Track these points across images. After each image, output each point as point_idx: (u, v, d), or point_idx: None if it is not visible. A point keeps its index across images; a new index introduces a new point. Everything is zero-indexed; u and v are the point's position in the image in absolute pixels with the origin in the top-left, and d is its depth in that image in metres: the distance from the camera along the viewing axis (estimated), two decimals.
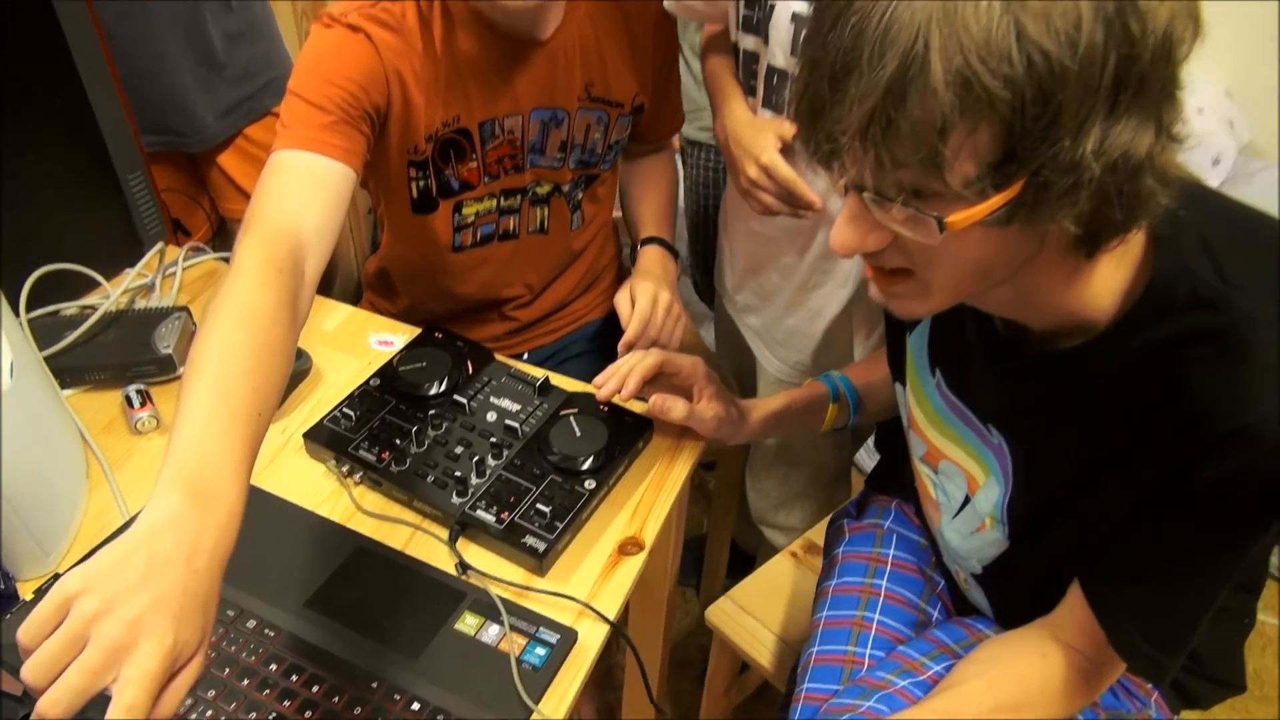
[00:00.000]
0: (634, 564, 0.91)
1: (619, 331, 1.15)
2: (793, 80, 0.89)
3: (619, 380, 0.99)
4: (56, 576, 0.85)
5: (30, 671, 0.55)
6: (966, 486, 0.93)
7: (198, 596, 0.59)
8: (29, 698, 0.74)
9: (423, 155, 1.11)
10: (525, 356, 1.34)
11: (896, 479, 1.14)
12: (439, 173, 1.13)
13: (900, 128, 0.56)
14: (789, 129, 1.05)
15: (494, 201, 1.18)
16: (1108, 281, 0.71)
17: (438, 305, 1.30)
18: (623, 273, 1.44)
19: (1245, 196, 2.16)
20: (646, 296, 1.16)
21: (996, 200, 0.58)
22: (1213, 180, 2.17)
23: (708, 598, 1.31)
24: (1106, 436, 0.75)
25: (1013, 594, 0.96)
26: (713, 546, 1.71)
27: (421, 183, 1.13)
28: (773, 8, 1.03)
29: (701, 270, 1.94)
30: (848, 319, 1.22)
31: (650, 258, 1.26)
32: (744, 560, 1.69)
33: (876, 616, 1.04)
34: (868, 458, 1.97)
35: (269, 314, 0.76)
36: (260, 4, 1.47)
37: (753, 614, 1.23)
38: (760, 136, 1.06)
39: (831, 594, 1.08)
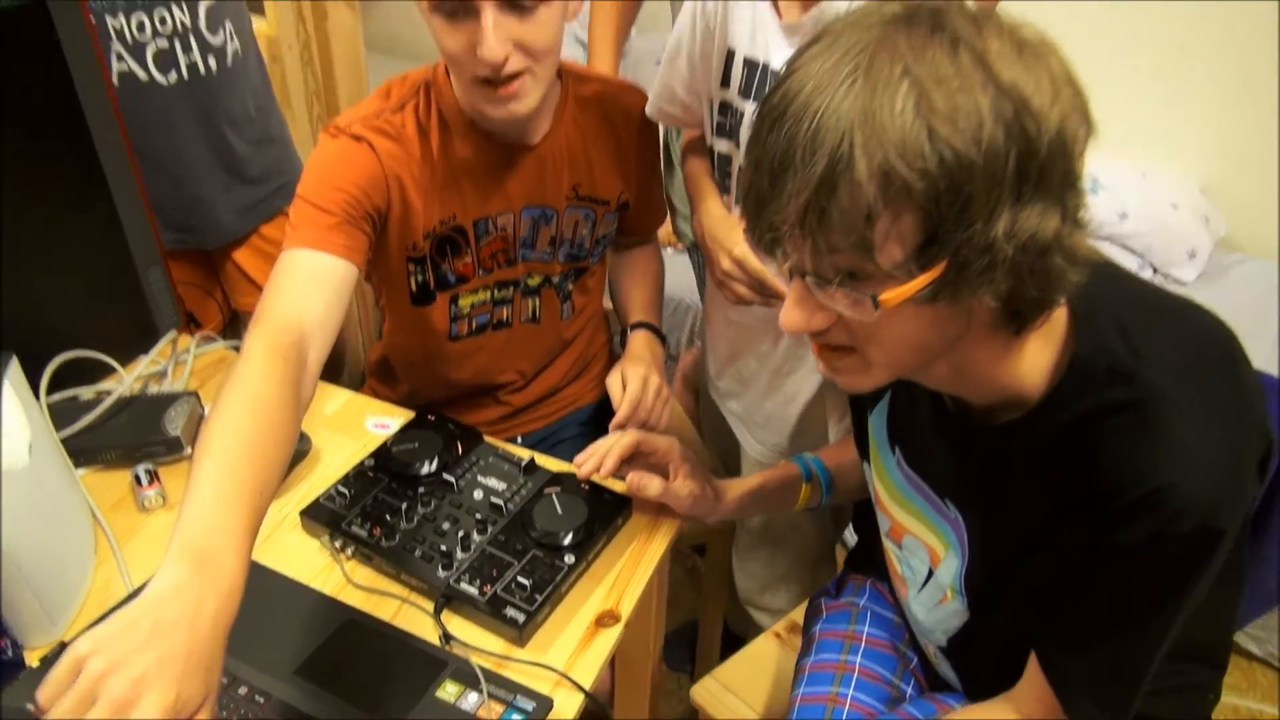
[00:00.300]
0: (610, 635, 0.96)
1: (609, 416, 1.21)
2: None
3: (598, 459, 1.05)
4: (63, 644, 0.91)
5: None
6: (929, 560, 0.97)
7: (200, 658, 0.64)
8: None
9: (420, 252, 1.19)
10: (519, 440, 1.40)
11: (872, 558, 1.18)
12: (436, 267, 1.21)
13: (832, 217, 0.63)
14: None
15: (488, 293, 1.26)
16: (1036, 359, 0.77)
17: (435, 391, 1.37)
18: (613, 360, 1.50)
19: (1223, 288, 2.23)
20: (637, 380, 1.23)
21: (923, 279, 0.65)
22: (1189, 273, 2.25)
23: None
24: (1044, 506, 0.80)
25: (978, 666, 1.00)
26: (705, 630, 1.73)
27: (420, 277, 1.21)
28: (743, 114, 1.12)
29: None
30: (821, 403, 1.28)
31: (639, 342, 1.33)
32: (738, 644, 1.71)
33: (851, 692, 1.06)
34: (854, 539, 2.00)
35: (273, 398, 0.83)
36: (275, 113, 1.59)
37: (736, 693, 1.25)
38: (733, 232, 1.14)
39: (808, 671, 1.11)
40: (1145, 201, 2.26)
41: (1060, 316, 0.77)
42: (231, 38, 1.46)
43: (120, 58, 1.35)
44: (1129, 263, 2.25)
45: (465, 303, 1.26)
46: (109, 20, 1.31)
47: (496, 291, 1.27)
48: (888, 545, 1.04)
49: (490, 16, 0.99)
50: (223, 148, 1.49)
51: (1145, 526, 0.71)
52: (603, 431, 1.19)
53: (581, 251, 1.30)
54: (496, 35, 1.00)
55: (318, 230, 1.05)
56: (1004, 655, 0.91)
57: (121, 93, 1.35)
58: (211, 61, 1.43)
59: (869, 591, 1.18)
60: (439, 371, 1.33)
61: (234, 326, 1.62)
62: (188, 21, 1.38)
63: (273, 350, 0.88)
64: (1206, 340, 0.78)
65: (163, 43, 1.37)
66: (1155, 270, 2.27)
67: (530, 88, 1.06)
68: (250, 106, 1.52)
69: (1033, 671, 0.88)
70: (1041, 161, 0.62)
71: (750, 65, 1.11)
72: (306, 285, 1.01)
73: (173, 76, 1.39)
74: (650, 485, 1.03)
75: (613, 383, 1.23)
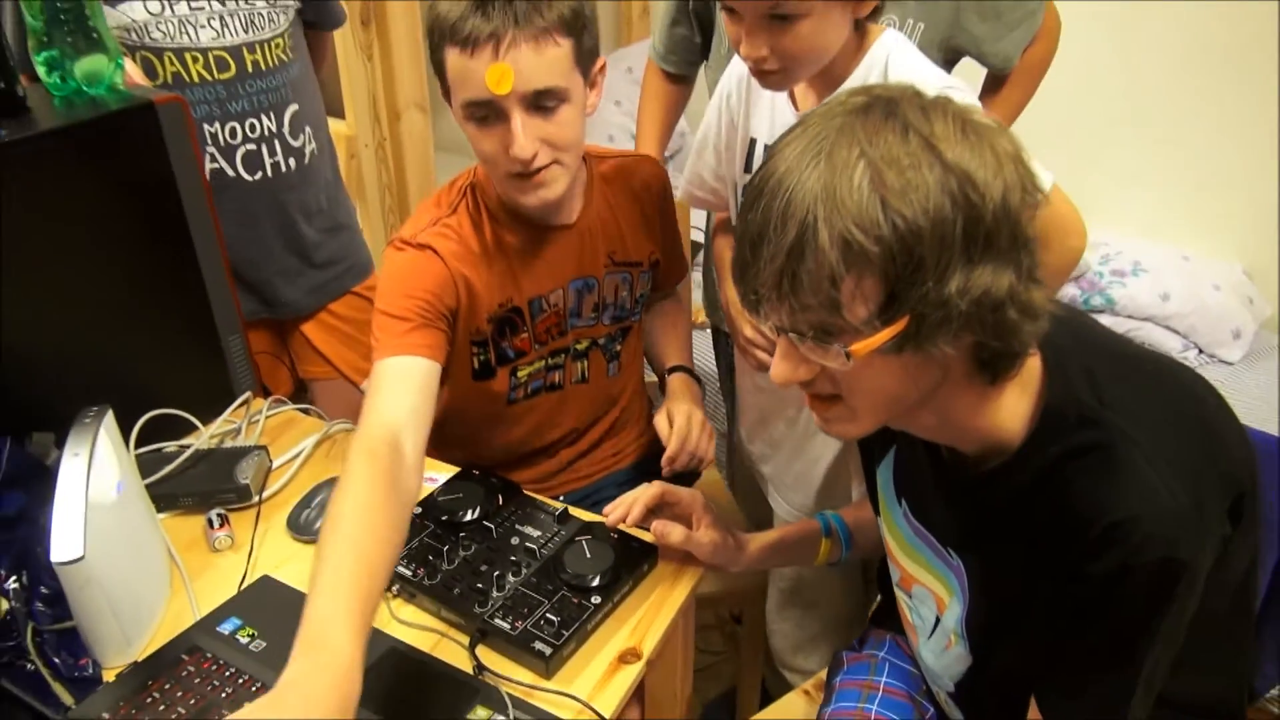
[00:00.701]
0: (631, 671, 1.02)
1: (646, 476, 1.28)
2: None
3: (625, 509, 1.13)
4: (135, 664, 1.01)
5: None
6: (936, 607, 1.02)
7: None
8: None
9: (483, 335, 1.30)
10: (561, 499, 1.48)
11: (893, 614, 1.23)
12: (497, 345, 1.33)
13: (802, 280, 0.72)
14: None
15: (543, 362, 1.37)
16: (1014, 408, 0.84)
17: (487, 454, 1.47)
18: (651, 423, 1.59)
19: (1269, 367, 2.23)
20: (683, 416, 1.32)
21: (887, 332, 0.73)
22: (1235, 353, 2.26)
23: None
24: (1028, 548, 0.85)
25: (984, 710, 1.03)
26: (743, 695, 1.76)
27: (482, 356, 1.33)
28: None
29: None
30: (844, 463, 1.34)
31: (678, 383, 1.43)
32: None
33: None
34: None
35: (370, 498, 0.94)
36: (344, 202, 1.75)
37: None
38: None
39: (828, 719, 1.16)
40: (1187, 284, 2.29)
41: (1035, 368, 0.84)
42: (310, 140, 1.63)
43: (213, 158, 1.52)
44: (1172, 344, 2.28)
45: (523, 373, 1.37)
46: (206, 127, 1.50)
47: (550, 359, 1.38)
48: (899, 595, 1.10)
49: (519, 119, 1.12)
50: (295, 236, 1.65)
51: (1112, 558, 0.76)
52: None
53: (624, 312, 1.41)
54: (526, 135, 1.12)
55: (396, 337, 1.17)
56: (1007, 699, 0.95)
57: (212, 186, 1.51)
58: (291, 162, 1.60)
59: (889, 644, 1.22)
60: (495, 431, 1.43)
61: (300, 393, 1.75)
62: (274, 128, 1.56)
63: (369, 455, 0.99)
64: (1172, 390, 0.84)
65: (251, 146, 1.55)
66: (1200, 351, 2.28)
67: (558, 175, 1.18)
68: (322, 199, 1.68)
69: (1034, 713, 0.91)
70: (987, 226, 0.71)
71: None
72: (394, 388, 1.12)
73: (258, 175, 1.57)
74: (673, 533, 1.11)
75: (660, 422, 1.32)
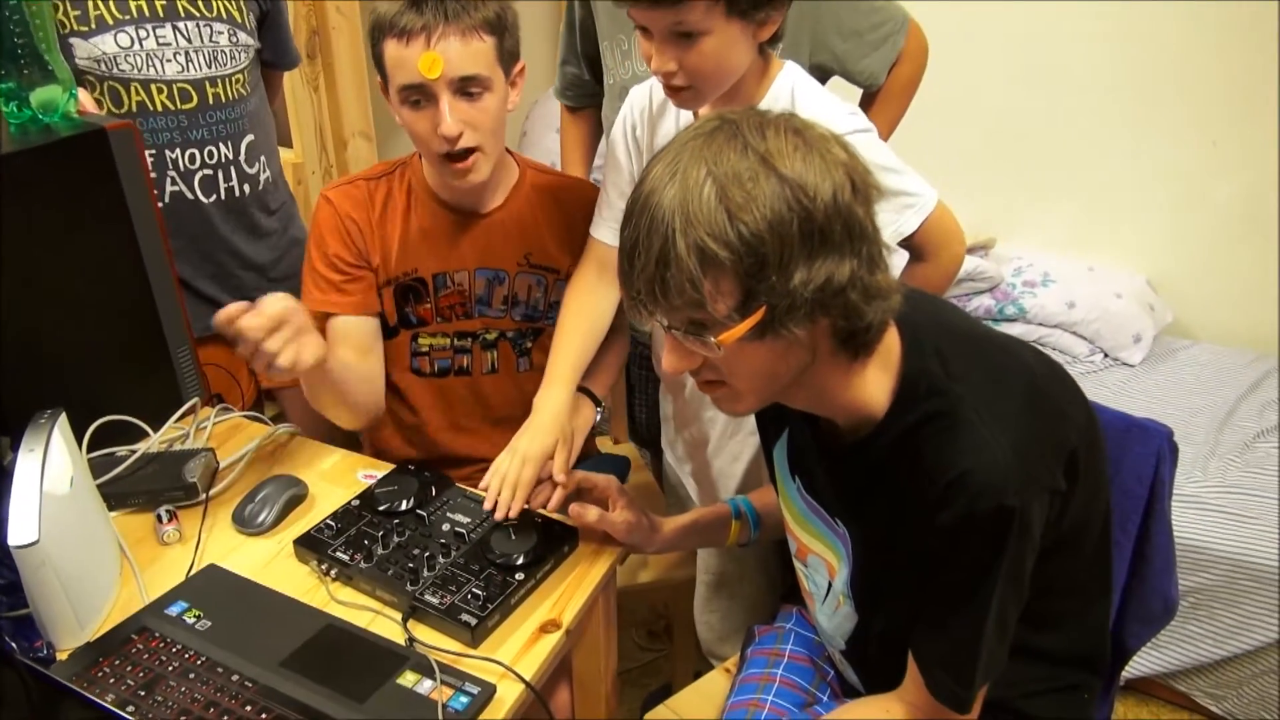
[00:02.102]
0: (552, 639, 1.11)
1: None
2: None
3: (546, 494, 1.23)
4: (88, 645, 1.08)
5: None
6: (828, 574, 1.13)
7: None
8: None
9: (391, 280, 1.45)
10: None
11: (799, 589, 1.33)
12: (400, 309, 1.45)
13: (670, 284, 0.83)
14: None
15: (448, 340, 1.49)
16: (878, 382, 0.95)
17: (419, 449, 1.56)
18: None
19: (1168, 369, 2.39)
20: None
21: (748, 323, 0.84)
22: (1136, 356, 2.40)
23: None
24: (893, 508, 0.96)
25: (872, 665, 1.14)
26: (677, 683, 1.85)
27: (393, 309, 1.46)
28: None
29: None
30: (761, 460, 1.45)
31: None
32: None
33: (770, 698, 1.21)
34: None
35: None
36: (295, 221, 1.85)
37: (685, 716, 1.38)
38: None
39: (738, 683, 1.26)
40: (1091, 293, 2.45)
41: (895, 347, 0.96)
42: (265, 168, 1.75)
43: (174, 181, 1.63)
44: (1080, 349, 2.43)
45: (424, 342, 1.50)
46: (168, 153, 1.60)
47: (456, 340, 1.50)
48: (797, 566, 1.20)
49: (446, 102, 1.26)
50: (251, 254, 1.75)
51: (957, 508, 0.88)
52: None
53: (536, 313, 1.52)
54: (452, 116, 1.27)
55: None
56: (890, 652, 1.05)
57: (173, 207, 1.63)
58: (246, 187, 1.72)
59: (795, 617, 1.33)
60: (413, 411, 1.53)
61: (259, 405, 1.83)
62: (230, 155, 1.68)
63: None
64: (1009, 363, 0.96)
65: (208, 172, 1.66)
66: (1106, 354, 2.43)
67: (482, 162, 1.33)
68: (274, 221, 1.78)
69: (911, 662, 1.02)
70: (820, 224, 0.82)
71: None
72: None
73: (213, 198, 1.68)
74: (588, 513, 1.20)
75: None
